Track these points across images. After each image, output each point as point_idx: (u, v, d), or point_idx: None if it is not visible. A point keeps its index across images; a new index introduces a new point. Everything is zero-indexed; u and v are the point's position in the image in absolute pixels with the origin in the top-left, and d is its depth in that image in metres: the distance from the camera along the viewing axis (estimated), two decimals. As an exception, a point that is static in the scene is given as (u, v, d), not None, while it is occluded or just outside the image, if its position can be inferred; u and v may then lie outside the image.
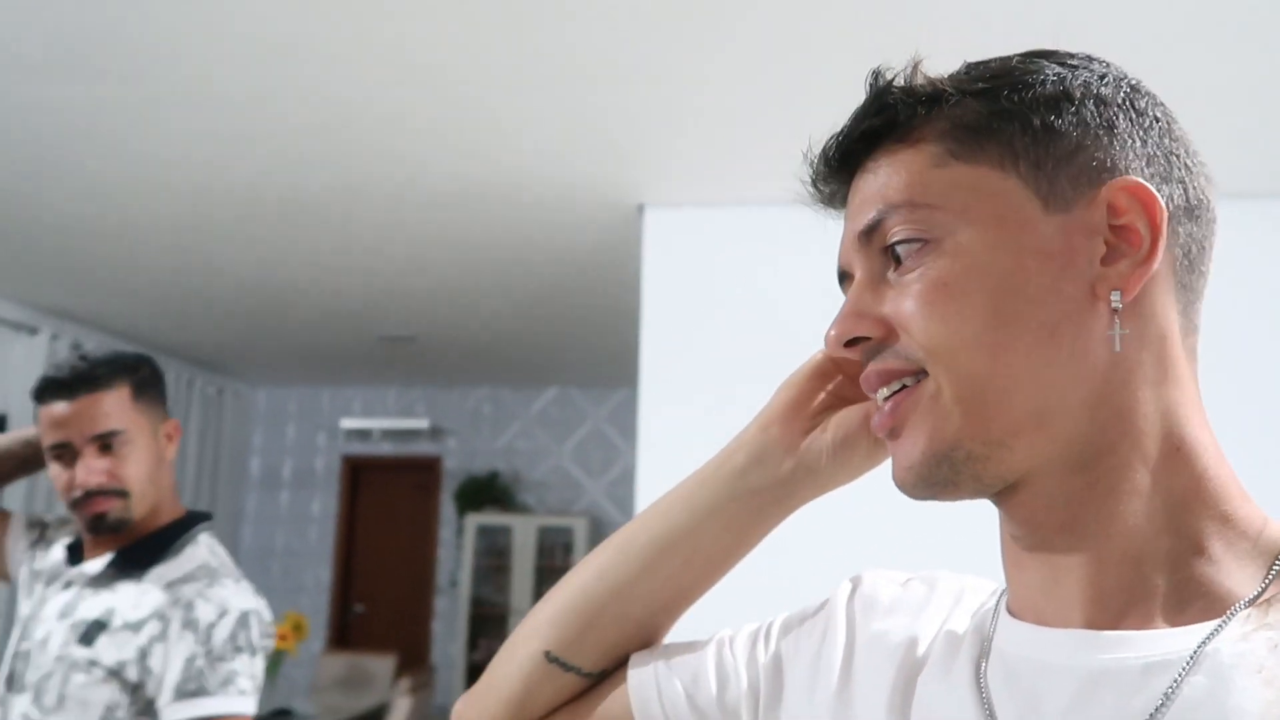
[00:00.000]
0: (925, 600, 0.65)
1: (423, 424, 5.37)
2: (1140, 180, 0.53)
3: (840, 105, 0.62)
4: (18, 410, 4.83)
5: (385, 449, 6.65)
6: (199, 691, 1.30)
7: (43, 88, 2.42)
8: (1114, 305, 0.52)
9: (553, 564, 6.28)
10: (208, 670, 1.31)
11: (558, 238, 3.50)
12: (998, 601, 0.60)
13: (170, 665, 1.31)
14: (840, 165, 0.60)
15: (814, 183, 0.62)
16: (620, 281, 3.97)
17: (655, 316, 3.10)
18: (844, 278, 0.60)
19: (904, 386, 0.54)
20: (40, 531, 1.55)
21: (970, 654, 0.58)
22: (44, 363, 4.92)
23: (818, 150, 0.60)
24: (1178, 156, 0.55)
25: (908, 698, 0.59)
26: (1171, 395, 0.53)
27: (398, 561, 6.62)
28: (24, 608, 1.46)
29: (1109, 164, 0.54)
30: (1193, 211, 0.55)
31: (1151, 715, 0.48)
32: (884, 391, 0.55)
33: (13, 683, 1.37)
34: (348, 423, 5.25)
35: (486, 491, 6.35)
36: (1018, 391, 0.51)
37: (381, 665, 5.33)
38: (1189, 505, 0.52)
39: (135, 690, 1.32)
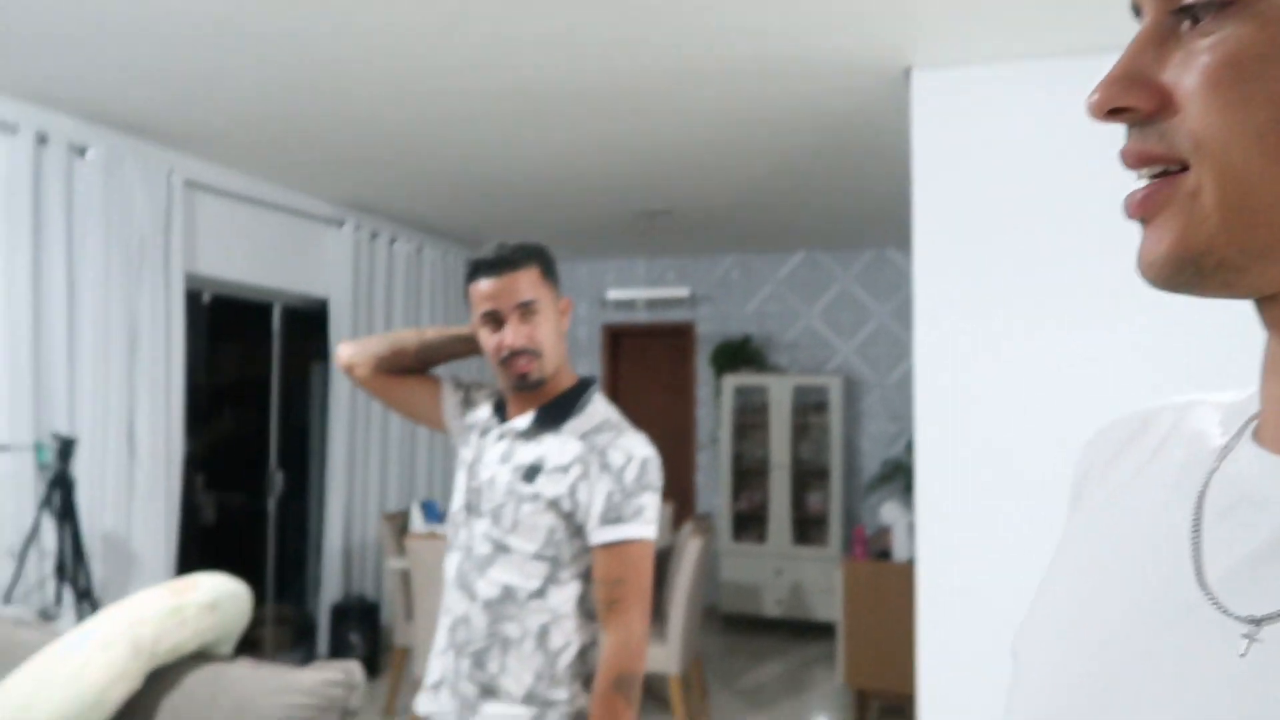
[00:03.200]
0: (1144, 428, 0.59)
1: (683, 292, 5.66)
2: None
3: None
4: (337, 294, 5.48)
5: (642, 317, 7.05)
6: (618, 519, 1.63)
7: (350, 15, 2.74)
8: None
9: (807, 420, 6.54)
10: (623, 503, 1.63)
11: (819, 105, 3.53)
12: (1245, 423, 0.53)
13: (595, 499, 1.64)
14: None
15: None
16: (876, 144, 3.97)
17: (927, 183, 3.07)
18: (1137, 11, 0.51)
19: (1165, 172, 0.47)
20: (465, 393, 1.89)
21: (1197, 476, 0.52)
22: (351, 251, 5.52)
23: None
24: None
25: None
26: None
27: (661, 421, 7.09)
28: (466, 454, 1.81)
29: None
30: None
31: None
32: (1144, 172, 0.48)
33: (471, 509, 1.74)
34: (614, 294, 5.63)
35: (741, 354, 6.64)
36: None
37: (661, 513, 5.84)
38: None
39: (568, 517, 1.66)
